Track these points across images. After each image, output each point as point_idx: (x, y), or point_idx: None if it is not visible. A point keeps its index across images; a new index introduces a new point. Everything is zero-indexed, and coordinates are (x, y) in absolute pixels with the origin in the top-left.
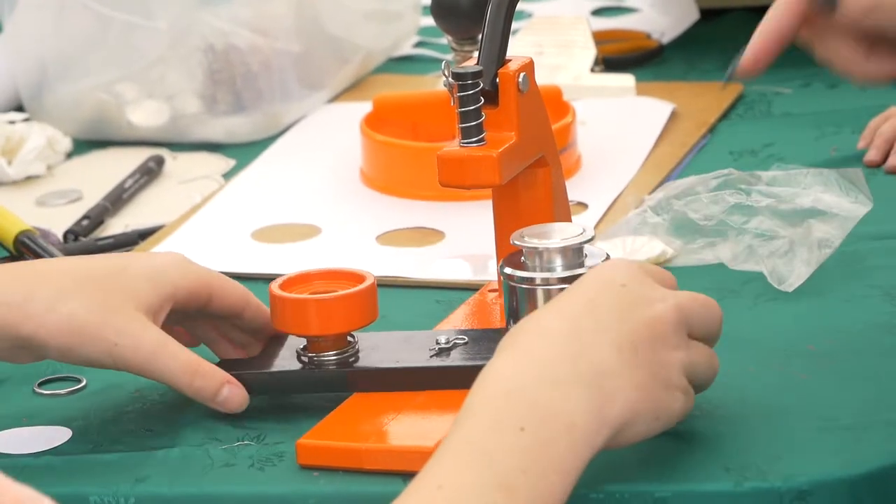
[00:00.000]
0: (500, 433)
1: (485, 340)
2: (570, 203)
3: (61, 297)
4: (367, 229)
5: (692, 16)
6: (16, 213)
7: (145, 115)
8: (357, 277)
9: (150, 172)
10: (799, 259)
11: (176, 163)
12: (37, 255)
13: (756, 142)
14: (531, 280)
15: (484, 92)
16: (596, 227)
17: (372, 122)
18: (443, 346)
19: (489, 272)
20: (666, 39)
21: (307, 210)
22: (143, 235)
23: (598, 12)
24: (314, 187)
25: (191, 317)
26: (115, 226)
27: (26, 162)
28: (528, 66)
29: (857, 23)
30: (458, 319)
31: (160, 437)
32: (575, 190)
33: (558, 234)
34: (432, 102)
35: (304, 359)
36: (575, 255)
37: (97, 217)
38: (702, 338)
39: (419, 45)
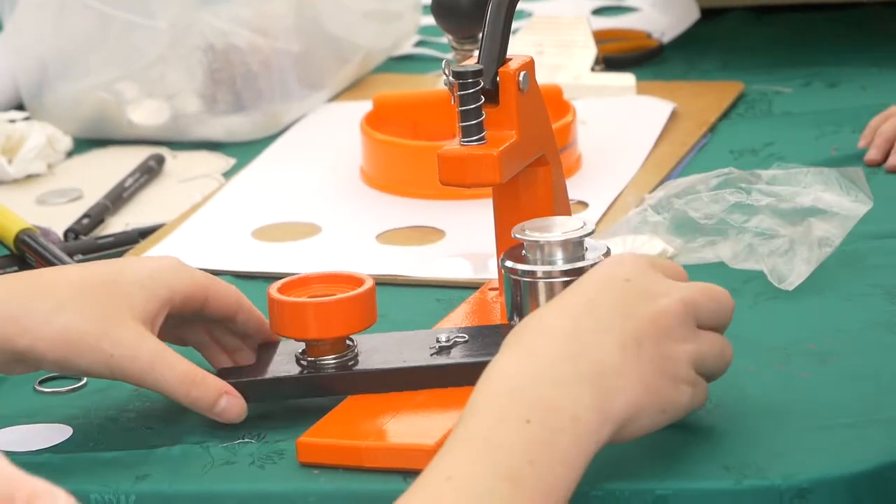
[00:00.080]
0: (507, 427)
1: (485, 336)
2: (571, 202)
3: (57, 308)
4: (368, 228)
5: (693, 15)
6: (16, 211)
7: (145, 114)
8: (356, 281)
9: (150, 171)
10: (799, 258)
11: (176, 161)
12: (37, 254)
13: (756, 141)
14: (532, 273)
15: (484, 91)
16: (596, 225)
17: (372, 121)
18: (443, 344)
19: (489, 271)
20: (666, 39)
21: (307, 209)
22: (143, 234)
23: (598, 11)
24: (314, 186)
25: (187, 321)
26: (116, 224)
27: (27, 160)
28: (529, 65)
29: None
30: (459, 318)
31: (161, 434)
32: (575, 189)
33: (559, 228)
34: (432, 101)
35: (304, 363)
36: (576, 248)
37: (97, 216)
38: (712, 328)
39: (419, 44)
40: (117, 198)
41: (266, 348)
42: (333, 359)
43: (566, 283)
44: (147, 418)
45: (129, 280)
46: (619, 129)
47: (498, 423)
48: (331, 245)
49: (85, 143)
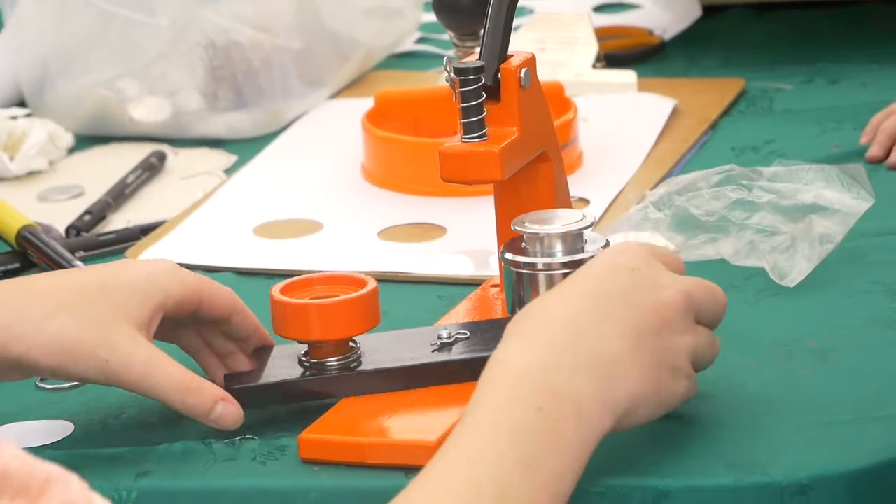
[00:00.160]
0: (514, 413)
1: (487, 332)
2: (572, 199)
3: (51, 315)
4: (369, 225)
5: (694, 12)
6: (18, 208)
7: (147, 111)
8: (359, 282)
9: (151, 168)
10: (800, 255)
11: (177, 158)
12: (39, 251)
13: (758, 138)
14: (532, 265)
15: (486, 87)
16: (598, 221)
17: (373, 118)
18: (445, 340)
19: (491, 267)
20: (668, 36)
21: (309, 205)
22: (144, 231)
23: (599, 8)
24: (316, 183)
25: (180, 324)
26: (117, 221)
27: (28, 157)
28: (530, 62)
29: None
30: (460, 315)
31: (162, 431)
32: (577, 186)
33: (559, 220)
34: (434, 98)
35: (307, 364)
36: (575, 240)
37: (99, 212)
38: (706, 323)
39: (421, 41)
40: (119, 195)
41: (262, 353)
42: (337, 360)
43: (566, 276)
44: (149, 415)
45: (124, 285)
46: (620, 125)
47: (507, 408)
48: (332, 242)
49: (86, 140)
